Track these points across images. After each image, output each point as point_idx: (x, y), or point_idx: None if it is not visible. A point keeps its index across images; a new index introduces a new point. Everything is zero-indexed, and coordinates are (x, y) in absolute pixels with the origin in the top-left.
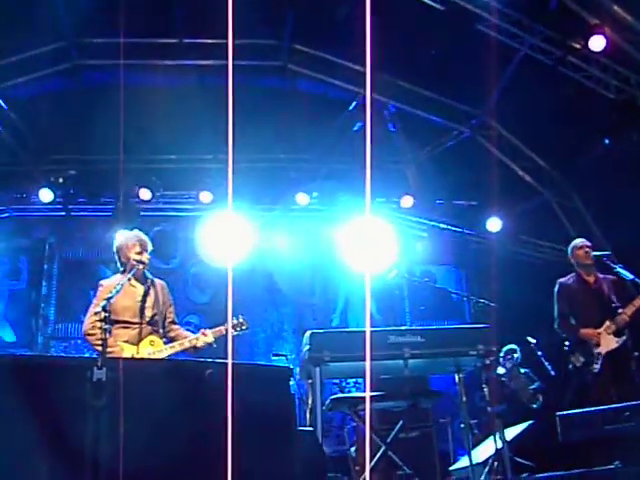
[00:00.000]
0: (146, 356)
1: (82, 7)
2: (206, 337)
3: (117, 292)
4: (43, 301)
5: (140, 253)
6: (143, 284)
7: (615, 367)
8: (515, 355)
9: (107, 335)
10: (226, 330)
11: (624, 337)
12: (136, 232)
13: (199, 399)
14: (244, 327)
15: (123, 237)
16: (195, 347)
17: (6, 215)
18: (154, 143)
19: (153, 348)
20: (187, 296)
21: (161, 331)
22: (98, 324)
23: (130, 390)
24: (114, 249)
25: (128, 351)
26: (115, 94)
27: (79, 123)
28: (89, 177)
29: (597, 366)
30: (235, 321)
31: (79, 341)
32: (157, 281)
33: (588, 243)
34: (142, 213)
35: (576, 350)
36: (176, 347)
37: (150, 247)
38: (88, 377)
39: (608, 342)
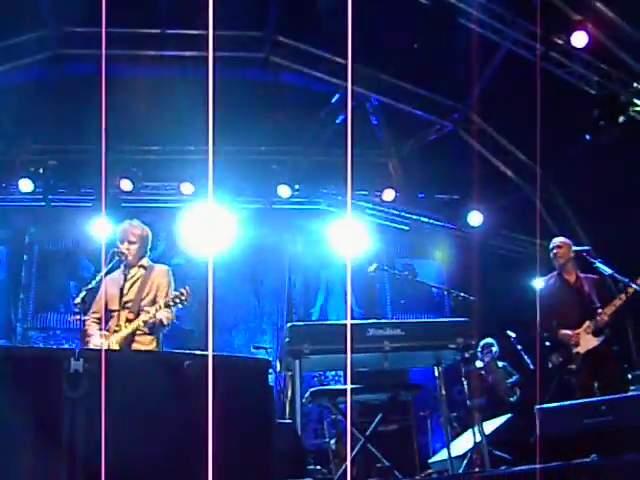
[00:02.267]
0: (114, 342)
1: None
2: (145, 314)
3: (97, 283)
4: (22, 291)
5: (122, 243)
6: (130, 271)
7: (595, 364)
8: (493, 349)
9: (85, 326)
10: (165, 304)
11: (604, 336)
12: (124, 223)
13: (177, 391)
14: (183, 298)
15: (130, 227)
16: (154, 323)
17: None
18: (136, 134)
19: (117, 334)
20: None
21: (132, 316)
22: (94, 315)
23: (107, 382)
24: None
25: (104, 340)
26: (96, 84)
27: (60, 113)
28: (69, 167)
29: (575, 366)
30: (176, 293)
31: (58, 331)
32: (156, 266)
33: (559, 243)
34: (123, 204)
35: (555, 350)
36: (129, 328)
37: (131, 237)
38: (65, 368)
39: (587, 342)
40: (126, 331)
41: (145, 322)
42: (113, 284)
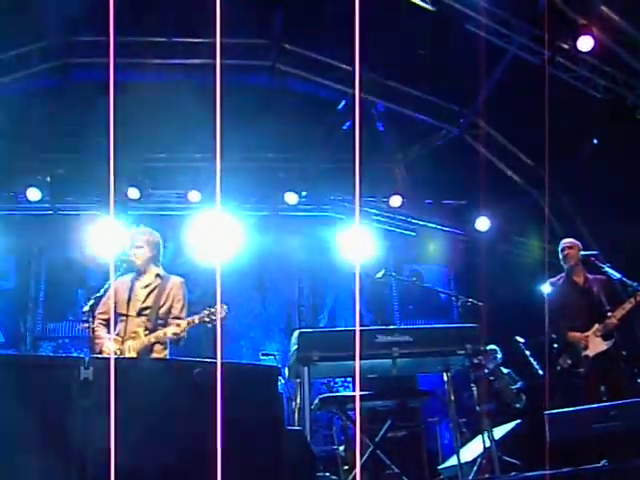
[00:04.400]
0: (126, 349)
1: (71, 5)
2: (178, 327)
3: (105, 290)
4: (31, 301)
5: (129, 249)
6: (147, 278)
7: (604, 368)
8: (497, 355)
9: (92, 333)
10: (200, 319)
11: (613, 339)
12: (132, 228)
13: (187, 398)
14: (221, 315)
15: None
16: (174, 339)
17: None
18: (143, 142)
19: (133, 341)
20: None
21: (150, 324)
22: (101, 316)
23: (117, 389)
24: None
25: (115, 344)
26: (103, 92)
27: (67, 122)
28: (77, 176)
29: (583, 369)
30: (212, 309)
31: (67, 340)
32: (172, 277)
33: (569, 244)
34: (130, 212)
35: (564, 352)
36: (151, 339)
37: (137, 242)
38: (75, 376)
39: (596, 345)
40: (147, 340)
41: (175, 334)
42: (123, 288)
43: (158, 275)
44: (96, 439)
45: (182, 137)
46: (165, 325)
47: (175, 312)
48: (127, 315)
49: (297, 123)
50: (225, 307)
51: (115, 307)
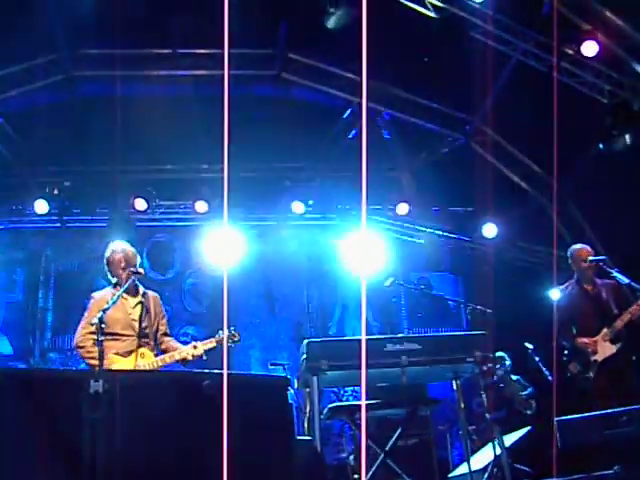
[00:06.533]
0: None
1: (76, 18)
2: (195, 350)
3: (113, 303)
4: (39, 313)
5: (124, 268)
6: (134, 296)
7: (613, 372)
8: (506, 362)
9: (101, 347)
10: (217, 342)
11: (621, 343)
12: (124, 246)
13: (196, 410)
14: (235, 339)
15: (112, 250)
16: (185, 360)
17: (1, 227)
18: (149, 153)
19: (143, 360)
20: (184, 306)
21: (152, 343)
22: (91, 336)
23: (127, 402)
24: (104, 261)
25: (118, 363)
26: (109, 105)
27: (74, 134)
28: (84, 188)
29: (592, 374)
30: (227, 332)
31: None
32: (150, 293)
33: (577, 250)
34: (138, 224)
35: (573, 358)
36: (166, 359)
37: (137, 261)
38: (85, 389)
39: (605, 349)
40: (162, 361)
41: (194, 356)
42: (116, 307)
43: (144, 293)
44: (106, 452)
45: (189, 148)
46: (156, 341)
47: (163, 329)
48: (122, 334)
49: (303, 132)
50: (238, 333)
51: (106, 325)
